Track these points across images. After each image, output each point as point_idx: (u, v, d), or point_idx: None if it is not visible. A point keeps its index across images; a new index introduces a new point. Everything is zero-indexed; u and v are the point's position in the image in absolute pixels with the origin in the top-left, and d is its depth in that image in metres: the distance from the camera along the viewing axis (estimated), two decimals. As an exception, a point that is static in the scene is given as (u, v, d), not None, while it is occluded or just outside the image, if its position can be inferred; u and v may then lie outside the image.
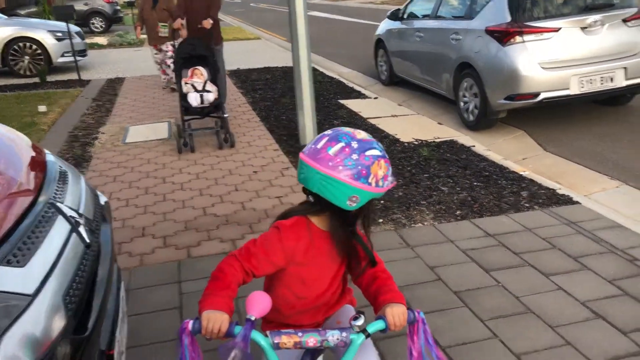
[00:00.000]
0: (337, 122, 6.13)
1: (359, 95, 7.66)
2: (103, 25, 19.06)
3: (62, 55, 10.10)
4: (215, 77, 5.49)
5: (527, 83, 5.27)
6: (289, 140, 5.50)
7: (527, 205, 3.80)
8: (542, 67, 5.26)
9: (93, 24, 18.79)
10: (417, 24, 7.23)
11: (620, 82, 5.43)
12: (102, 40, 15.71)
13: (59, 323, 1.12)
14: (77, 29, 10.97)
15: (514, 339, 2.39)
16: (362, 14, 22.32)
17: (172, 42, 7.20)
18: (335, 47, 13.13)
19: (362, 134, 1.41)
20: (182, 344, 1.34)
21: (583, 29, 5.32)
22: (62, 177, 1.63)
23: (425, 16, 7.16)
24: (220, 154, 5.18)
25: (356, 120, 6.18)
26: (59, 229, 1.35)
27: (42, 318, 1.08)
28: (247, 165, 4.81)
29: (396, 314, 1.40)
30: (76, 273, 1.28)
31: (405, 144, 5.29)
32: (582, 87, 5.35)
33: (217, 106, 5.29)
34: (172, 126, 6.17)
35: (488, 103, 5.57)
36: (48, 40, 9.95)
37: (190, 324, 1.34)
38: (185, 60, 5.44)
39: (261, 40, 15.23)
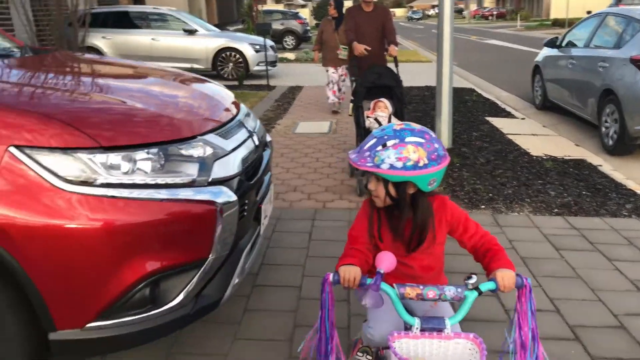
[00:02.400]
0: (476, 134, 6.79)
1: (507, 115, 8.17)
2: (294, 43, 21.62)
3: (257, 65, 12.13)
4: (401, 111, 4.96)
5: (665, 111, 5.45)
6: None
7: (625, 214, 4.18)
8: (683, 97, 5.39)
9: (286, 41, 21.42)
10: (572, 51, 7.55)
11: None
12: (290, 55, 17.96)
13: (238, 168, 2.22)
14: (272, 43, 13.02)
15: (554, 290, 3.00)
16: (540, 44, 21.94)
17: (347, 66, 7.42)
18: (503, 73, 13.51)
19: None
20: (324, 291, 1.65)
21: None
22: (247, 115, 2.79)
23: (579, 45, 7.47)
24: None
25: (494, 135, 6.77)
26: (243, 133, 2.47)
27: (231, 162, 2.18)
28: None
29: (506, 276, 1.60)
30: (247, 156, 2.39)
31: (534, 157, 5.79)
32: None
33: None
34: (332, 125, 7.40)
35: (626, 129, 5.81)
36: (248, 52, 12.05)
37: (330, 276, 1.63)
38: (368, 90, 4.96)
39: (432, 64, 16.10)
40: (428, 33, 36.57)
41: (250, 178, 2.38)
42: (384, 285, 1.57)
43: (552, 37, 8.61)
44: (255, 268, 3.24)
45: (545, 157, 5.77)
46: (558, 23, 37.41)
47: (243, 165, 2.29)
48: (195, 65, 11.74)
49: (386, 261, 1.58)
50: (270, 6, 25.65)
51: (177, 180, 1.97)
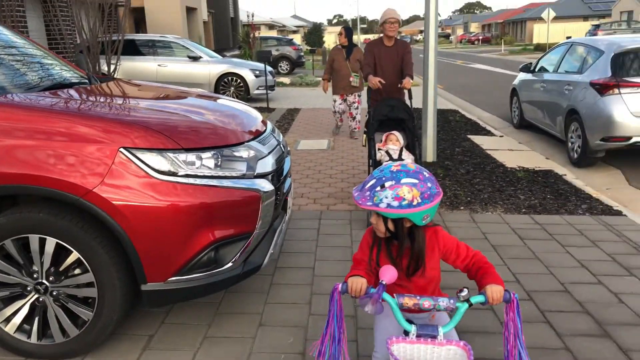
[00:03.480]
0: (458, 149, 7.61)
1: (487, 133, 9.02)
2: (288, 68, 22.56)
3: (257, 89, 12.97)
4: (413, 144, 4.94)
5: (620, 128, 6.29)
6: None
7: (580, 212, 4.97)
8: (635, 116, 6.24)
9: (281, 66, 22.38)
10: (543, 76, 8.45)
11: None
12: (286, 79, 18.86)
13: (272, 167, 2.97)
14: (270, 69, 13.88)
15: (516, 267, 3.76)
16: (524, 68, 23.06)
17: (359, 94, 8.37)
18: (485, 96, 14.45)
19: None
20: (332, 300, 1.85)
21: (678, 86, 6.21)
22: (274, 130, 3.56)
23: (550, 70, 8.38)
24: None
25: (474, 150, 7.59)
26: (273, 142, 3.24)
27: (268, 162, 2.94)
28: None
29: (494, 290, 1.79)
30: (277, 159, 3.14)
31: (508, 168, 6.60)
32: (674, 135, 6.19)
33: None
34: (330, 142, 8.19)
35: (588, 143, 6.65)
36: (249, 77, 12.89)
37: (340, 286, 1.83)
38: (380, 122, 4.99)
39: (417, 87, 17.05)
40: (415, 58, 37.78)
41: (279, 175, 3.14)
42: (386, 295, 1.77)
43: (526, 63, 9.53)
44: (276, 254, 3.97)
45: (518, 169, 6.58)
46: (540, 48, 38.87)
47: (276, 165, 3.05)
48: (199, 90, 12.52)
49: (388, 274, 1.78)
50: (264, 33, 26.69)
51: (233, 173, 2.73)
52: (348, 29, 8.32)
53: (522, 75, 9.49)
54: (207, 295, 2.86)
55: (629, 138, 6.31)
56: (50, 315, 2.66)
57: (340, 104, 8.46)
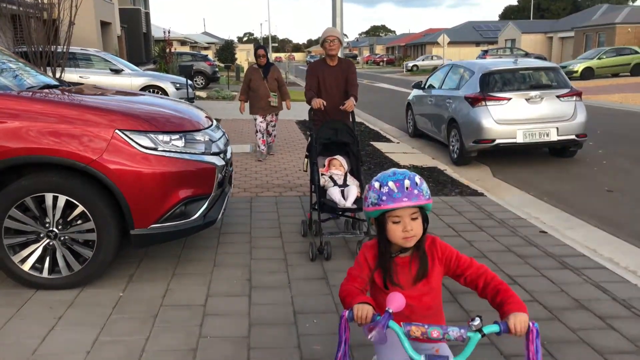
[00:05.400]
0: (363, 152, 8.96)
1: (387, 140, 10.52)
2: (203, 82, 23.32)
3: (178, 100, 13.76)
4: (358, 168, 4.74)
5: (486, 132, 7.92)
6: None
7: (453, 195, 6.43)
8: (497, 123, 7.90)
9: (196, 81, 23.07)
10: (431, 92, 10.10)
11: (554, 137, 7.96)
12: (202, 94, 19.67)
13: (222, 148, 4.03)
14: (191, 82, 14.73)
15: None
16: (422, 87, 25.46)
17: (276, 113, 8.37)
18: (387, 110, 16.18)
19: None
20: (341, 327, 1.79)
21: (527, 99, 7.97)
22: (217, 124, 4.61)
23: (436, 86, 10.04)
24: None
25: (376, 153, 8.99)
26: (220, 131, 4.29)
27: (219, 145, 3.99)
28: (293, 164, 7.74)
29: (518, 321, 1.63)
30: (224, 144, 4.19)
31: (401, 166, 8.02)
32: (526, 138, 7.92)
33: (359, 206, 4.29)
34: (254, 147, 9.26)
35: (463, 145, 8.24)
36: (170, 89, 13.67)
37: (347, 313, 1.76)
38: (324, 146, 4.77)
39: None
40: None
41: (225, 156, 4.20)
42: (392, 324, 1.66)
43: (418, 81, 11.20)
44: (219, 224, 5.00)
45: (409, 166, 8.02)
46: (438, 69, 42.37)
47: (224, 147, 4.11)
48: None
49: (396, 302, 1.67)
50: (178, 48, 27.23)
51: (195, 151, 3.75)
52: (265, 48, 8.39)
53: (415, 92, 11.13)
54: (179, 238, 3.85)
55: (494, 140, 7.96)
56: (59, 255, 3.52)
57: (262, 122, 8.23)
